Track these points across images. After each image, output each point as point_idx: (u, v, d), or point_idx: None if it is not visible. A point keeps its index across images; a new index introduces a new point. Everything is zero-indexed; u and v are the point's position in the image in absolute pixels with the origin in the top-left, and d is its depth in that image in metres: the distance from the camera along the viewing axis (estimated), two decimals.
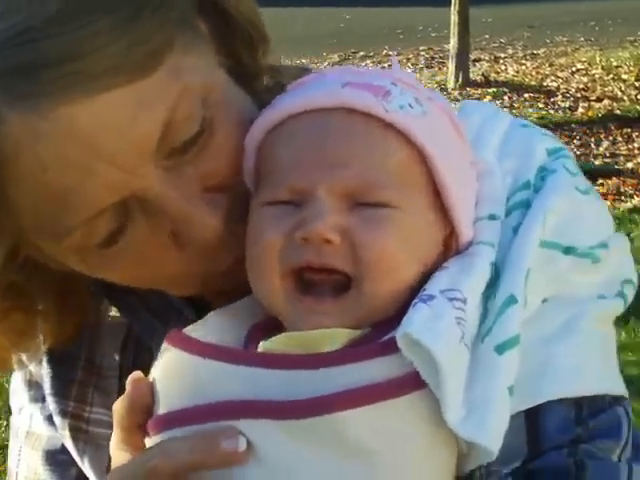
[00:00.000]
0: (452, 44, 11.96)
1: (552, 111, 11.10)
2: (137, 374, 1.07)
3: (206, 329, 1.09)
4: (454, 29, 11.88)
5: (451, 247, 1.10)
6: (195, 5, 1.12)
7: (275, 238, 1.04)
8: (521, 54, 15.13)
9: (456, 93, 11.72)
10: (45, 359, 1.36)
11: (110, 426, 1.10)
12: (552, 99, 11.76)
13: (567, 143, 9.94)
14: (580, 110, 11.19)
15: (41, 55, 0.97)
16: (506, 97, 11.73)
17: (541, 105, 11.42)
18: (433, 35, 15.47)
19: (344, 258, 1.02)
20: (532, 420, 1.03)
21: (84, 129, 0.99)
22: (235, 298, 1.14)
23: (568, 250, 1.10)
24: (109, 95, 0.99)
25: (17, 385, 1.45)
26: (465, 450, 1.01)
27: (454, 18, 11.86)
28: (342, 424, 0.96)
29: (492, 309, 1.04)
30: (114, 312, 1.34)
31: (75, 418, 1.35)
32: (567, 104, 11.51)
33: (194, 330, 1.09)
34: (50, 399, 1.36)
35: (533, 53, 15.11)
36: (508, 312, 1.02)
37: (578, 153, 9.64)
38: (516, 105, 11.37)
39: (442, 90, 11.79)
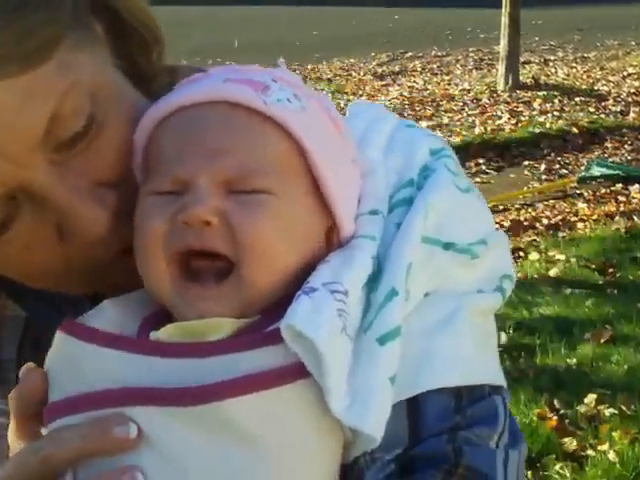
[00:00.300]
0: (502, 46, 11.89)
1: (603, 115, 10.99)
2: (30, 364, 1.08)
3: (100, 318, 1.11)
4: (504, 31, 11.81)
5: (333, 241, 1.13)
6: (88, 5, 1.14)
7: (159, 225, 1.08)
8: (571, 57, 15.02)
9: (506, 95, 11.65)
10: None
11: (9, 416, 1.10)
12: (603, 103, 11.64)
13: (618, 148, 9.84)
14: (632, 115, 11.07)
15: None
16: (556, 100, 11.63)
17: (592, 109, 11.31)
18: (482, 36, 15.39)
19: (223, 240, 1.06)
20: (413, 409, 1.08)
21: None
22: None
23: (448, 246, 1.14)
24: None
25: None
26: (350, 438, 1.05)
27: (504, 20, 11.79)
28: (228, 411, 1.00)
29: (374, 302, 1.07)
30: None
31: None
32: (618, 108, 11.39)
33: (88, 319, 1.10)
34: None
35: (584, 56, 14.99)
36: (389, 305, 1.06)
37: (629, 158, 9.54)
38: (567, 109, 11.27)
39: (492, 92, 11.73)
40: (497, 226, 7.33)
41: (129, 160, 1.16)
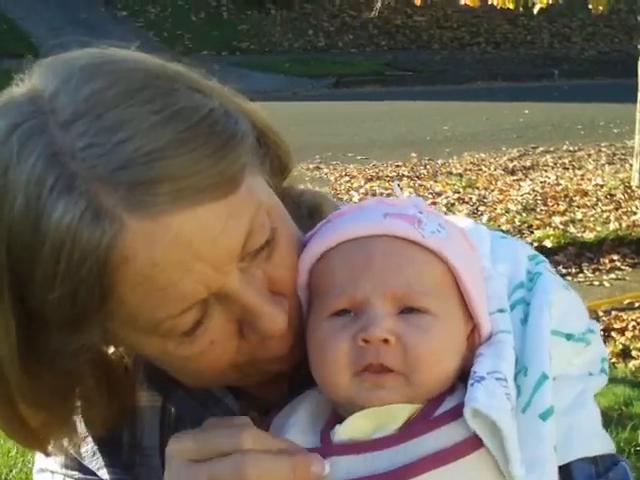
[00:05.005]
0: (637, 141, 11.75)
1: None
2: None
3: (293, 431, 1.31)
4: (639, 126, 11.67)
5: (475, 339, 1.35)
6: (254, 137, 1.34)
7: (343, 344, 1.28)
8: None
9: None
10: (95, 448, 1.53)
11: None
12: None
13: None
14: None
15: (160, 172, 1.18)
16: None
17: None
18: (615, 131, 15.27)
19: (397, 357, 1.26)
20: (565, 474, 1.30)
21: (188, 234, 1.20)
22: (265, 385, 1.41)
23: (569, 336, 1.37)
24: (207, 207, 1.21)
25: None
26: None
27: (639, 116, 11.66)
28: None
29: (525, 385, 1.29)
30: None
31: None
32: None
33: (284, 431, 1.31)
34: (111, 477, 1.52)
35: None
36: (543, 387, 1.28)
37: None
38: None
39: (626, 188, 11.57)
40: (633, 324, 7.24)
41: (296, 276, 1.36)
